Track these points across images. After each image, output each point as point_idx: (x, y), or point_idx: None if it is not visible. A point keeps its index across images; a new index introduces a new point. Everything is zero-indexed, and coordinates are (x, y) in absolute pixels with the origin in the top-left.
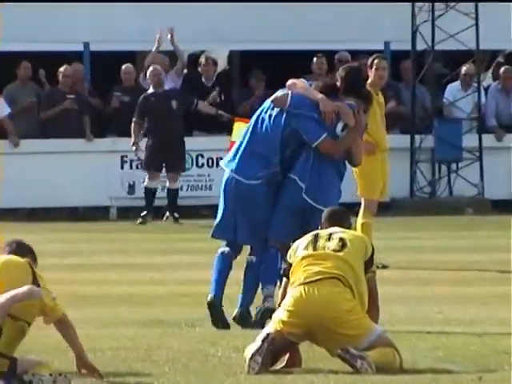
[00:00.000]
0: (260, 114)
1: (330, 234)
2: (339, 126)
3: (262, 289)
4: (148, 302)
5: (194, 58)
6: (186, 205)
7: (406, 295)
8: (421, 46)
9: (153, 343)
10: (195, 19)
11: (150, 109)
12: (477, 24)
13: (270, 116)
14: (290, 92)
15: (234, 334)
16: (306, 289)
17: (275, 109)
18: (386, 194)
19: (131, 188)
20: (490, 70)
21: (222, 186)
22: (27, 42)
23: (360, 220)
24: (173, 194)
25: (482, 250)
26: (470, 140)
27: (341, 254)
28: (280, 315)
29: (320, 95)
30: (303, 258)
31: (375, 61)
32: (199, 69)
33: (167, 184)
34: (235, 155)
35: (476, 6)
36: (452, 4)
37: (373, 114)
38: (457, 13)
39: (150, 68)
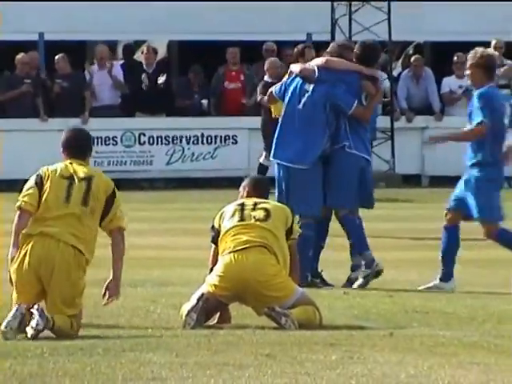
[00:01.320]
0: (291, 99)
1: (255, 204)
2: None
3: (355, 255)
4: (97, 265)
5: (129, 48)
6: (128, 178)
7: (326, 260)
8: (339, 37)
9: (99, 301)
10: (139, 11)
11: None
12: (389, 18)
13: (305, 98)
14: (314, 64)
15: (172, 293)
16: (236, 256)
17: (307, 89)
18: None
19: None
20: (401, 60)
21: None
22: None
23: None
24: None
25: (394, 220)
26: (383, 121)
27: (265, 224)
28: (212, 279)
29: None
30: (231, 227)
31: (305, 50)
32: (135, 57)
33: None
34: (284, 144)
35: (388, 3)
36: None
37: None
38: (372, 8)
39: (269, 60)
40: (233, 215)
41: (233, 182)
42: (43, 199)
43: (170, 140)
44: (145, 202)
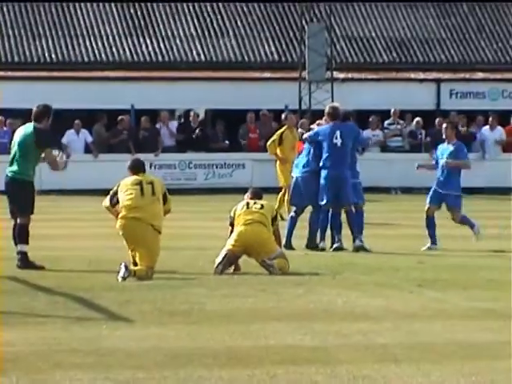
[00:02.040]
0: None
1: (255, 202)
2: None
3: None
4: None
5: (184, 114)
6: (181, 188)
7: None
8: (303, 107)
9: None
10: (188, 90)
11: None
12: (332, 95)
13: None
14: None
15: (206, 254)
16: (244, 227)
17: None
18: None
19: None
20: None
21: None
22: None
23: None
24: None
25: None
26: None
27: (261, 211)
28: (230, 242)
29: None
30: (241, 213)
31: (287, 115)
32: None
33: None
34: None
35: (332, 86)
36: None
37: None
38: (321, 90)
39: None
40: (242, 207)
41: (241, 191)
42: (126, 197)
43: (206, 166)
44: (191, 201)
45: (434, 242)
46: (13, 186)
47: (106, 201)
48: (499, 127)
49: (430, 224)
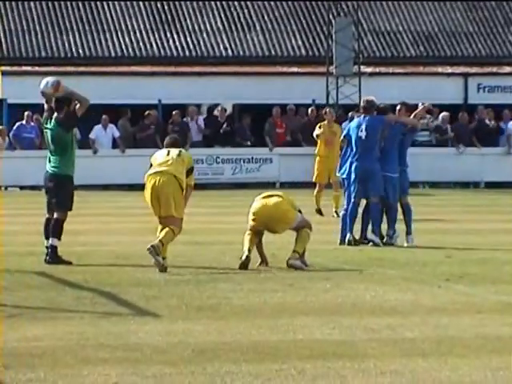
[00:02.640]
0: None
1: (271, 195)
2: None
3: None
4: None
5: (210, 108)
6: (209, 182)
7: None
8: (330, 101)
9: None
10: (216, 86)
11: None
12: (360, 90)
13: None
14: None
15: (233, 249)
16: (263, 200)
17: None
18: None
19: None
20: None
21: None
22: None
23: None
24: None
25: None
26: None
27: (279, 193)
28: (251, 217)
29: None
30: (260, 196)
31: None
32: (215, 113)
33: None
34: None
35: (359, 81)
36: None
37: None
38: (349, 84)
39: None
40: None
41: (268, 186)
42: (155, 159)
43: (234, 161)
44: (218, 196)
45: None
46: (52, 181)
47: (145, 178)
48: None
49: None
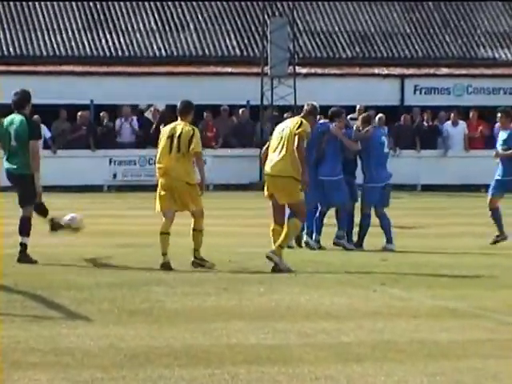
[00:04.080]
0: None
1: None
2: None
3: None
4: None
5: (142, 109)
6: (142, 184)
7: None
8: (265, 103)
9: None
10: (149, 86)
11: None
12: (295, 91)
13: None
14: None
15: (173, 252)
16: (269, 178)
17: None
18: None
19: None
20: None
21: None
22: None
23: None
24: None
25: None
26: None
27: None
28: (265, 189)
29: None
30: None
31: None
32: (145, 114)
33: None
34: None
35: (294, 82)
36: None
37: None
38: (283, 85)
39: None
40: None
41: None
42: (158, 149)
43: None
44: (151, 197)
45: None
46: (15, 179)
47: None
48: (461, 122)
49: (496, 216)
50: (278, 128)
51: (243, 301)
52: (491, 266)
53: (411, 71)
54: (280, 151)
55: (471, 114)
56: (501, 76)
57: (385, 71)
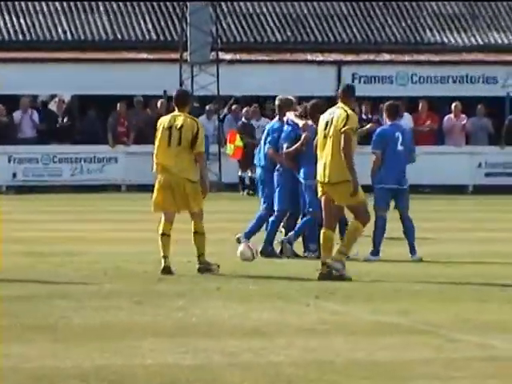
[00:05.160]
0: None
1: None
2: None
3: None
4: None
5: (45, 101)
6: (45, 185)
7: None
8: None
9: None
10: (53, 73)
11: None
12: (218, 80)
13: None
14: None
15: (78, 261)
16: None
17: None
18: None
19: None
20: (226, 107)
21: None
22: None
23: None
24: None
25: None
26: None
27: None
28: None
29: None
30: None
31: None
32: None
33: None
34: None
35: (217, 69)
36: None
37: None
38: (206, 74)
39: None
40: None
41: (113, 189)
42: (157, 142)
43: (73, 160)
44: (56, 200)
45: None
46: None
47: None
48: (406, 114)
49: None
50: (321, 122)
51: (159, 316)
52: (436, 275)
53: (349, 58)
54: (328, 153)
55: (420, 106)
56: (450, 63)
57: (319, 57)
